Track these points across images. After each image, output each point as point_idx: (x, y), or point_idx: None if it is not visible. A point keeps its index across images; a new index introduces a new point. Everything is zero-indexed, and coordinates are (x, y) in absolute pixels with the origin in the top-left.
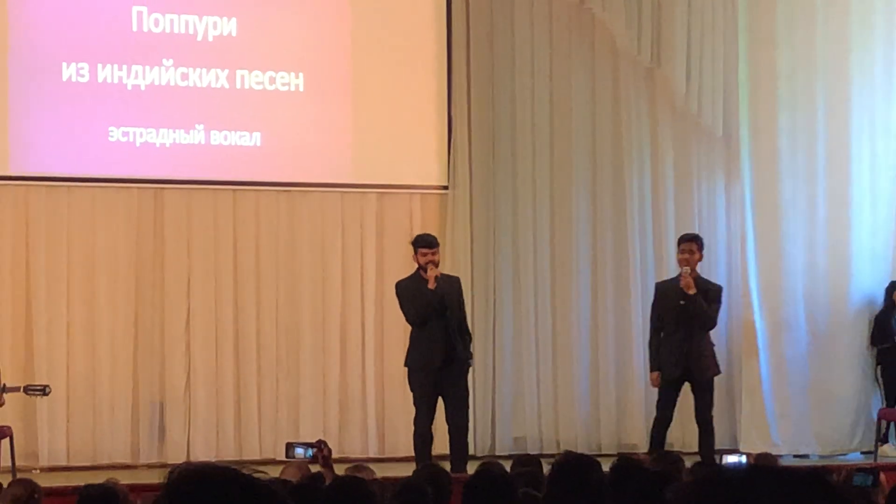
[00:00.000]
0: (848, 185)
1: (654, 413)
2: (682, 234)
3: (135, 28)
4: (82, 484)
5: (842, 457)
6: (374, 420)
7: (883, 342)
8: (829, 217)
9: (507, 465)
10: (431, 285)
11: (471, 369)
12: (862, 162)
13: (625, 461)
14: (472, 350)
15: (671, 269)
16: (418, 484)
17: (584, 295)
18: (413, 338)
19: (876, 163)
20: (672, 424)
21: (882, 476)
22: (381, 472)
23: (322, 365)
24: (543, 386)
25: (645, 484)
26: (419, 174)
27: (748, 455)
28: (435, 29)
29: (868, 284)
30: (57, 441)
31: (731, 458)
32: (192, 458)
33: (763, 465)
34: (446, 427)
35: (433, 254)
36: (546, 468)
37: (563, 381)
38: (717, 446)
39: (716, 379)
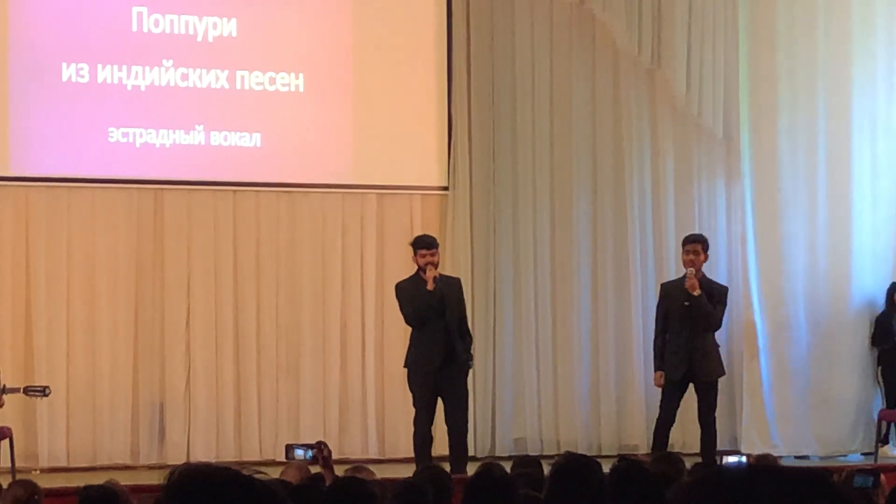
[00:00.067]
0: (849, 186)
1: (654, 414)
2: (685, 234)
3: (135, 28)
4: (82, 485)
5: (842, 458)
6: (374, 421)
7: (884, 343)
8: (830, 217)
9: (508, 467)
10: (430, 286)
11: (471, 370)
12: (863, 162)
13: (625, 462)
14: (472, 351)
15: (671, 270)
16: (419, 485)
17: (585, 296)
18: (413, 339)
19: (877, 163)
20: (673, 425)
21: (882, 477)
22: (381, 473)
23: (322, 365)
24: (544, 387)
25: (645, 485)
26: (419, 175)
27: (748, 456)
28: (435, 30)
29: (869, 285)
30: (57, 442)
31: (731, 459)
32: (192, 459)
33: (763, 465)
34: (446, 428)
35: (432, 255)
36: (546, 469)
37: (564, 382)
38: (718, 447)
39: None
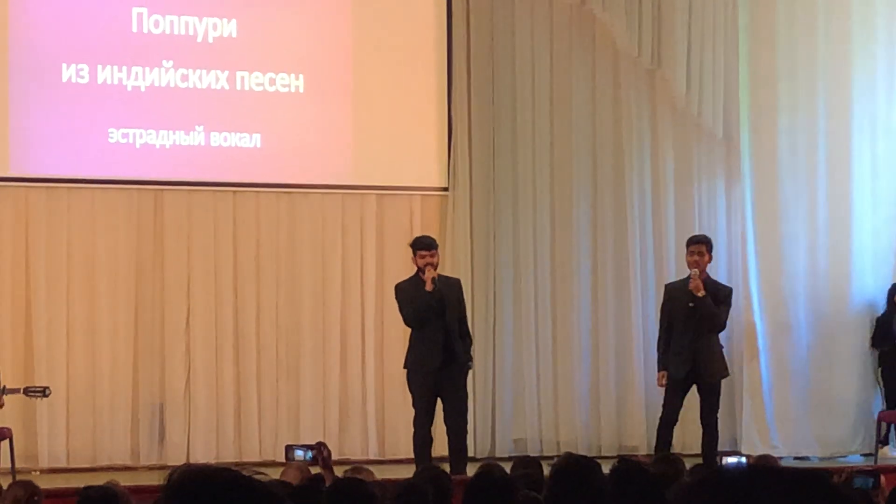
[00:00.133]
0: (849, 186)
1: (654, 415)
2: (685, 235)
3: (135, 29)
4: (82, 485)
5: (842, 459)
6: (374, 422)
7: (884, 344)
8: (830, 218)
9: (508, 467)
10: (429, 287)
11: (471, 371)
12: (863, 163)
13: (625, 463)
14: (472, 352)
15: (671, 270)
16: (419, 486)
17: (585, 296)
18: (412, 339)
19: (877, 164)
20: (676, 424)
21: (882, 478)
22: (381, 473)
23: (322, 366)
24: (544, 387)
25: (645, 486)
26: (419, 175)
27: (748, 457)
28: (435, 30)
29: (869, 286)
30: (57, 443)
31: (731, 460)
32: (192, 460)
33: (763, 466)
34: (445, 429)
35: (431, 256)
36: (546, 470)
37: (564, 383)
38: (718, 448)
39: None
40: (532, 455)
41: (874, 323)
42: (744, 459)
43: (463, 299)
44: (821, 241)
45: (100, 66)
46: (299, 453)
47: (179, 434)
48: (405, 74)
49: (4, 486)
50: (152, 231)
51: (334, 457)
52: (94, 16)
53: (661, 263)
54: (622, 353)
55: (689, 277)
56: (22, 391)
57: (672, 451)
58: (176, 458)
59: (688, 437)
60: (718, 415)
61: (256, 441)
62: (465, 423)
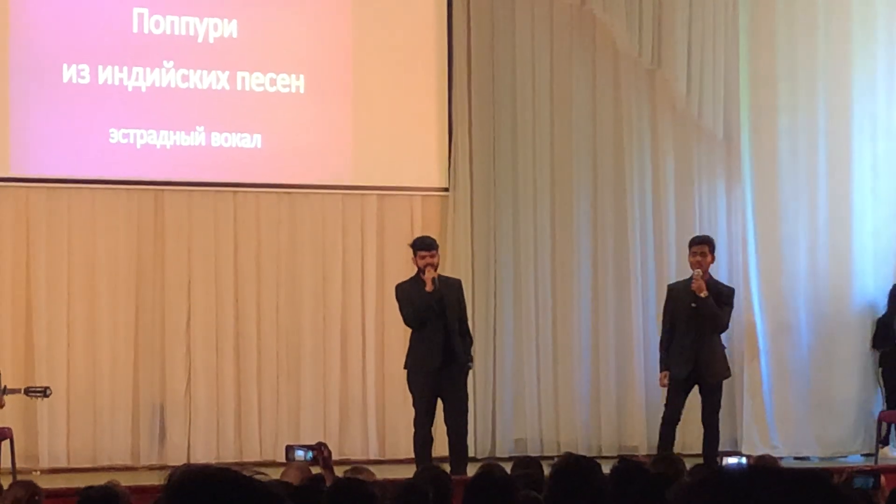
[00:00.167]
0: (849, 187)
1: (654, 415)
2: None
3: (135, 30)
4: (83, 486)
5: (842, 459)
6: (375, 422)
7: (885, 345)
8: (831, 219)
9: (508, 467)
10: (429, 287)
11: (471, 371)
12: (863, 163)
13: (625, 463)
14: (472, 353)
15: (672, 271)
16: (419, 486)
17: (585, 297)
18: (412, 340)
19: (877, 164)
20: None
21: (882, 478)
22: (381, 473)
23: (322, 367)
24: (544, 388)
25: (645, 486)
26: (420, 176)
27: (748, 457)
28: (435, 31)
29: (870, 286)
30: (57, 443)
31: (731, 460)
32: (193, 460)
33: (763, 466)
34: (446, 429)
35: (431, 256)
36: (546, 470)
37: (564, 383)
38: (719, 448)
39: None
40: (532, 455)
41: (875, 324)
42: (744, 460)
43: (463, 299)
44: (821, 241)
45: (100, 67)
46: (300, 453)
47: (180, 434)
48: (406, 75)
49: (5, 486)
50: (153, 231)
51: (335, 457)
52: (94, 16)
53: (662, 264)
54: (622, 354)
55: (691, 278)
56: (23, 391)
57: (673, 451)
58: (176, 459)
59: (688, 437)
60: (719, 415)
61: (257, 441)
62: (466, 423)
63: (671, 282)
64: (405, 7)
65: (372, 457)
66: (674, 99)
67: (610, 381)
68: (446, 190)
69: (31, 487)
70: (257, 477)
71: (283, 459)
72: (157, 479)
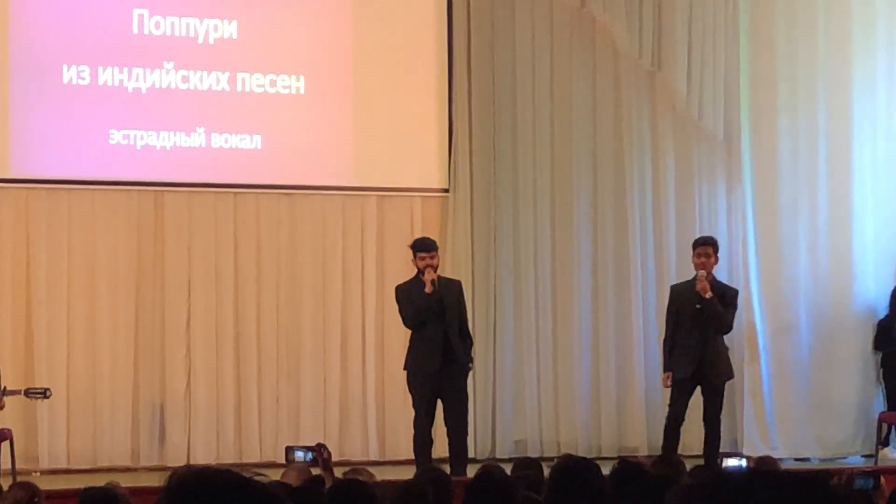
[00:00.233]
0: (849, 188)
1: (654, 416)
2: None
3: (135, 30)
4: (83, 487)
5: (842, 460)
6: (375, 423)
7: (887, 347)
8: (831, 219)
9: (508, 469)
10: (428, 289)
11: (471, 372)
12: (864, 164)
13: (625, 464)
14: (472, 354)
15: (672, 272)
16: (419, 487)
17: (585, 298)
18: (412, 341)
19: (877, 165)
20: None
21: (883, 479)
22: (381, 474)
23: (322, 368)
24: (544, 389)
25: (645, 487)
26: (420, 177)
27: (748, 458)
28: (436, 32)
29: (870, 287)
30: (57, 444)
31: (731, 461)
32: (193, 461)
33: (763, 469)
34: (446, 430)
35: (431, 257)
36: (547, 471)
37: (564, 384)
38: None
39: None
40: (532, 456)
41: (877, 326)
42: (744, 461)
43: (463, 301)
44: (821, 241)
45: (100, 68)
46: (299, 454)
47: (180, 435)
48: (406, 76)
49: (5, 488)
50: (153, 232)
51: (334, 458)
52: (94, 17)
53: (662, 265)
54: (622, 355)
55: (694, 279)
56: (23, 393)
57: (677, 452)
58: (176, 460)
59: (689, 437)
60: (721, 416)
61: (257, 442)
62: (466, 424)
63: (671, 282)
64: (405, 8)
65: (372, 458)
66: (674, 100)
67: (610, 382)
68: (446, 191)
69: (30, 488)
70: (257, 478)
71: (283, 460)
72: (156, 481)
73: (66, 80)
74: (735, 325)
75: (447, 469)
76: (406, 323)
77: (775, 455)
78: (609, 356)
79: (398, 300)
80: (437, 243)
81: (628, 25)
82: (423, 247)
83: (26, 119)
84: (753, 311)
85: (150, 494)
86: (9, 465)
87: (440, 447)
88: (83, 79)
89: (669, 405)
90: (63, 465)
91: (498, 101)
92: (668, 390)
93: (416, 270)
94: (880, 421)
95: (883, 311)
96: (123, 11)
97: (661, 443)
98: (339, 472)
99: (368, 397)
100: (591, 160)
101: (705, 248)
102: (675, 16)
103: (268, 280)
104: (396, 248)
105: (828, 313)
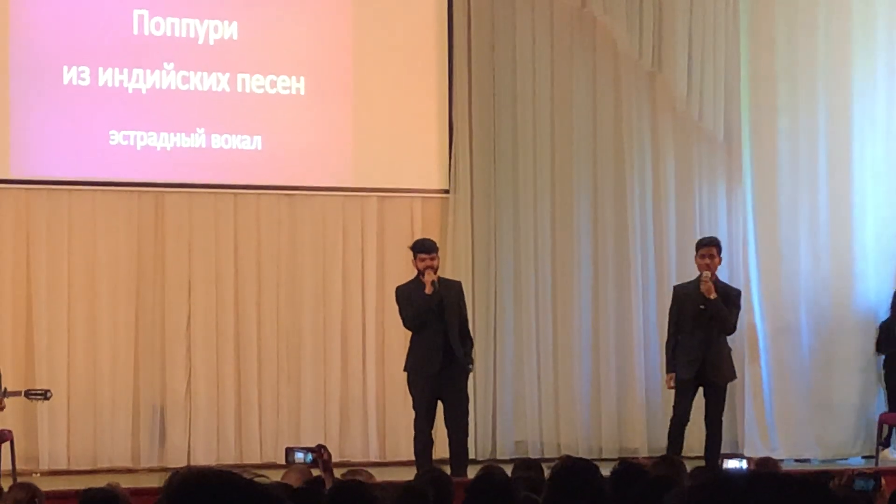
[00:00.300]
0: (849, 188)
1: (655, 416)
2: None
3: (136, 31)
4: (83, 488)
5: (843, 461)
6: (375, 424)
7: (889, 348)
8: (831, 220)
9: (508, 470)
10: (428, 290)
11: (471, 373)
12: (864, 164)
13: (625, 465)
14: (473, 355)
15: (672, 273)
16: (420, 488)
17: (585, 299)
18: (412, 342)
19: (877, 165)
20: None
21: (883, 481)
22: (381, 475)
23: (323, 368)
24: (544, 390)
25: (645, 488)
26: (420, 178)
27: (749, 459)
28: (436, 33)
29: (871, 287)
30: (58, 445)
31: (731, 462)
32: (193, 462)
33: (763, 471)
34: (446, 431)
35: (431, 259)
36: (547, 472)
37: (564, 385)
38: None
39: None
40: (533, 457)
41: (879, 328)
42: (744, 462)
43: (464, 302)
44: (822, 242)
45: (101, 69)
46: (299, 455)
47: (180, 436)
48: (406, 77)
49: (5, 488)
50: (153, 233)
51: (335, 459)
52: (94, 18)
53: (662, 266)
54: (623, 356)
55: (697, 279)
56: (23, 394)
57: (681, 453)
58: (176, 461)
59: (689, 438)
60: (722, 417)
61: (257, 443)
62: (466, 425)
63: (671, 282)
64: (405, 8)
65: (372, 459)
66: (674, 100)
67: (610, 382)
68: (447, 192)
69: (31, 489)
70: (257, 479)
71: (283, 461)
72: (157, 482)
73: (66, 81)
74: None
75: (448, 470)
76: (406, 324)
77: (775, 456)
78: (609, 357)
79: (398, 301)
80: (438, 244)
81: (629, 26)
82: (423, 248)
83: (26, 120)
84: (754, 312)
85: (150, 495)
86: (9, 466)
87: (440, 448)
88: (83, 79)
89: (674, 407)
90: (63, 466)
91: (498, 102)
92: (670, 391)
93: (416, 271)
94: (881, 422)
95: (883, 311)
96: (124, 12)
97: (661, 443)
98: (338, 474)
99: (369, 398)
100: (591, 161)
101: (709, 248)
102: (676, 16)
103: (268, 281)
104: (396, 248)
105: (828, 314)
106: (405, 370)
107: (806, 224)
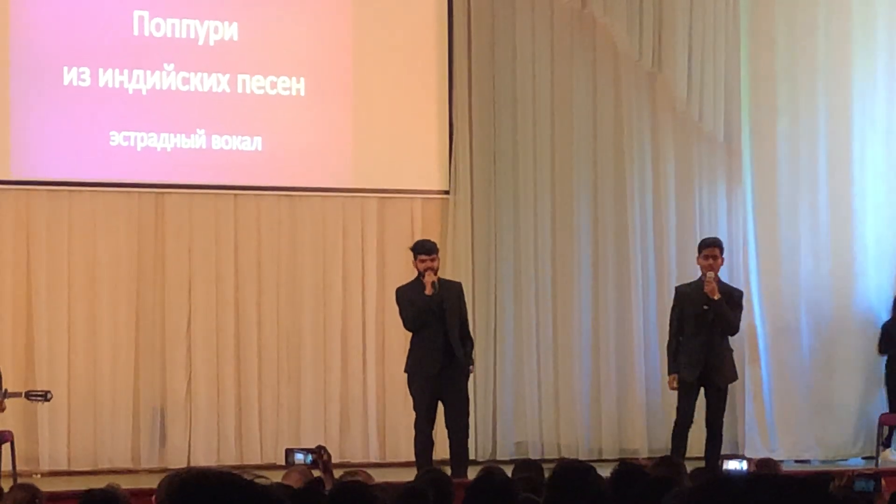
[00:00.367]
0: (850, 188)
1: (655, 417)
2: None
3: (136, 32)
4: (83, 489)
5: (843, 462)
6: (375, 425)
7: (892, 350)
8: (831, 220)
9: (509, 470)
10: (428, 291)
11: (472, 374)
12: (864, 166)
13: (625, 466)
14: (473, 356)
15: (672, 274)
16: (420, 489)
17: (586, 300)
18: (413, 343)
19: (878, 165)
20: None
21: (883, 481)
22: (382, 476)
23: (323, 369)
24: (544, 391)
25: (645, 489)
26: (420, 179)
27: (749, 460)
28: (436, 34)
29: (871, 288)
30: (58, 445)
31: (731, 463)
32: (193, 463)
33: (762, 473)
34: (447, 432)
35: (431, 260)
36: (548, 473)
37: (565, 386)
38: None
39: None
40: (533, 458)
41: (881, 329)
42: (744, 463)
43: (464, 302)
44: (822, 242)
45: (101, 70)
46: (299, 457)
47: (180, 437)
48: (406, 78)
49: (6, 489)
50: (153, 234)
51: (335, 460)
52: (95, 19)
53: (662, 266)
54: (623, 357)
55: (699, 280)
56: (23, 395)
57: (685, 454)
58: (177, 461)
59: (690, 439)
60: (723, 418)
61: (257, 444)
62: (466, 426)
63: (671, 283)
64: (405, 8)
65: (372, 459)
66: (674, 101)
67: (610, 383)
68: (447, 193)
69: (31, 490)
70: (258, 480)
71: (283, 462)
72: (157, 482)
73: (66, 82)
74: None
75: (448, 471)
76: (406, 325)
77: (775, 456)
78: (609, 357)
79: (398, 302)
80: (438, 244)
81: (629, 27)
82: (423, 249)
83: (27, 121)
84: (754, 313)
85: (150, 496)
86: (9, 467)
87: (441, 449)
88: (84, 80)
89: (677, 410)
90: (64, 467)
91: (498, 103)
92: (670, 392)
93: (416, 272)
94: (881, 423)
95: (884, 311)
96: (124, 13)
97: (662, 444)
98: (338, 474)
99: (369, 399)
100: (591, 161)
101: (712, 249)
102: (676, 17)
103: (268, 281)
104: (397, 249)
105: (828, 314)
106: (405, 371)
107: (806, 224)
